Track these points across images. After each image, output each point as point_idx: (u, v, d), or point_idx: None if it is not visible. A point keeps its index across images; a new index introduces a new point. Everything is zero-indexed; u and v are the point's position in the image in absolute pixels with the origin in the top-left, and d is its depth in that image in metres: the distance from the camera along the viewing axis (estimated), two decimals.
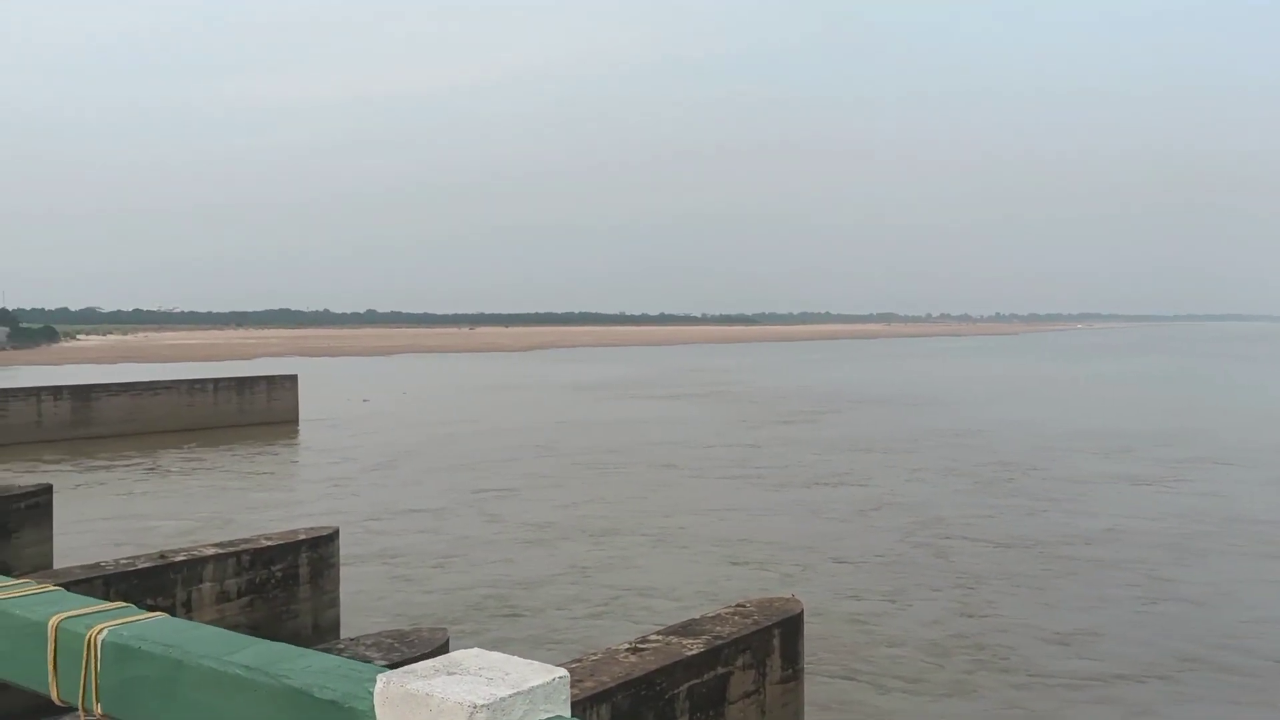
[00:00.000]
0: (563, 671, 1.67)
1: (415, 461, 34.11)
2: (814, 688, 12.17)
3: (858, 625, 15.98)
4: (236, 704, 1.87)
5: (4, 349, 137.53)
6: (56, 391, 43.82)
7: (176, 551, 13.61)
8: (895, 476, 30.43)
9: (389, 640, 12.16)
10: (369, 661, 10.68)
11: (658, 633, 9.95)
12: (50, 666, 2.13)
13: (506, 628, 15.99)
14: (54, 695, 2.13)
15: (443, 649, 11.55)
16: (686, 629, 9.97)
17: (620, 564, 19.96)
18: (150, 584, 12.31)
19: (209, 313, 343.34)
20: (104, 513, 25.09)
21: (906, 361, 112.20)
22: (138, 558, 13.04)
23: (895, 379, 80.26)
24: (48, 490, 17.57)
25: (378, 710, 1.65)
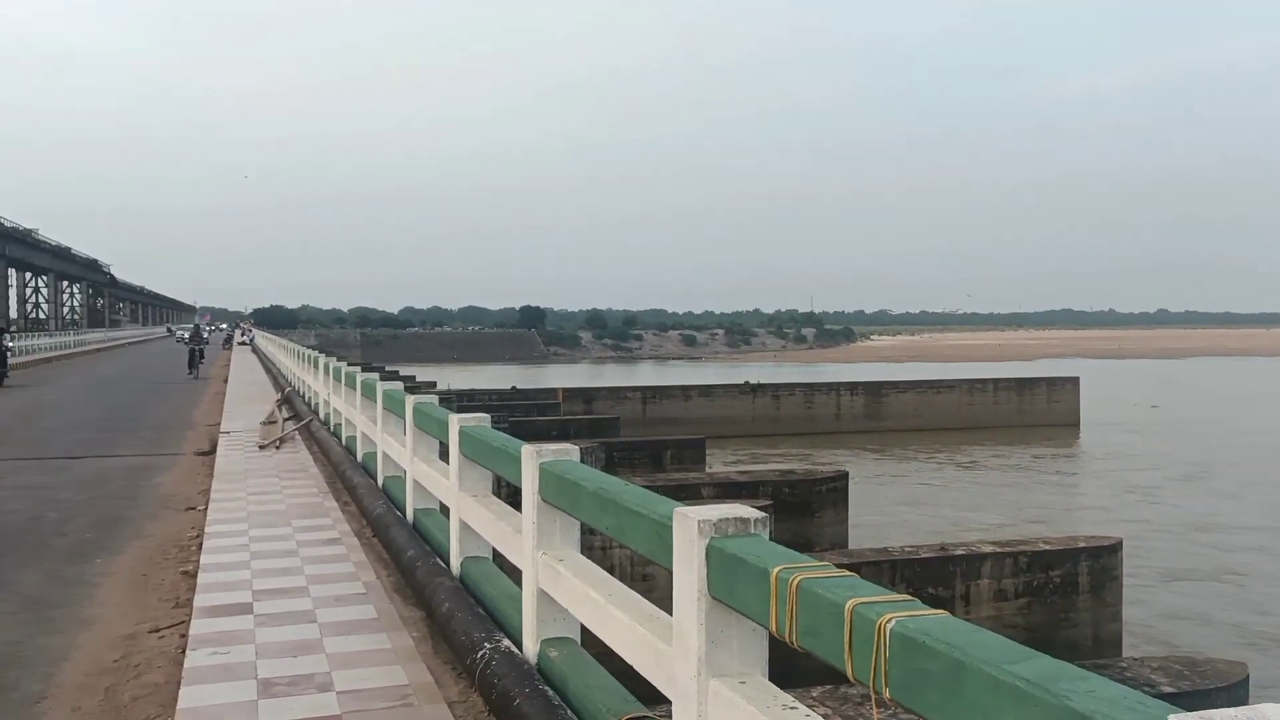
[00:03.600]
0: None
1: (1230, 473, 30.99)
2: None
3: None
4: (1015, 715, 1.85)
5: (811, 347, 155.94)
6: (853, 387, 48.27)
7: (956, 546, 14.05)
8: None
9: (1178, 666, 11.22)
10: (1153, 686, 9.98)
11: None
12: (846, 646, 2.31)
13: None
14: (849, 672, 2.31)
15: (1241, 686, 10.34)
16: None
17: None
18: (931, 574, 12.82)
19: (990, 314, 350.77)
20: (891, 501, 26.93)
21: None
22: (920, 547, 13.69)
23: None
24: (844, 477, 19.37)
25: None
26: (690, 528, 3.11)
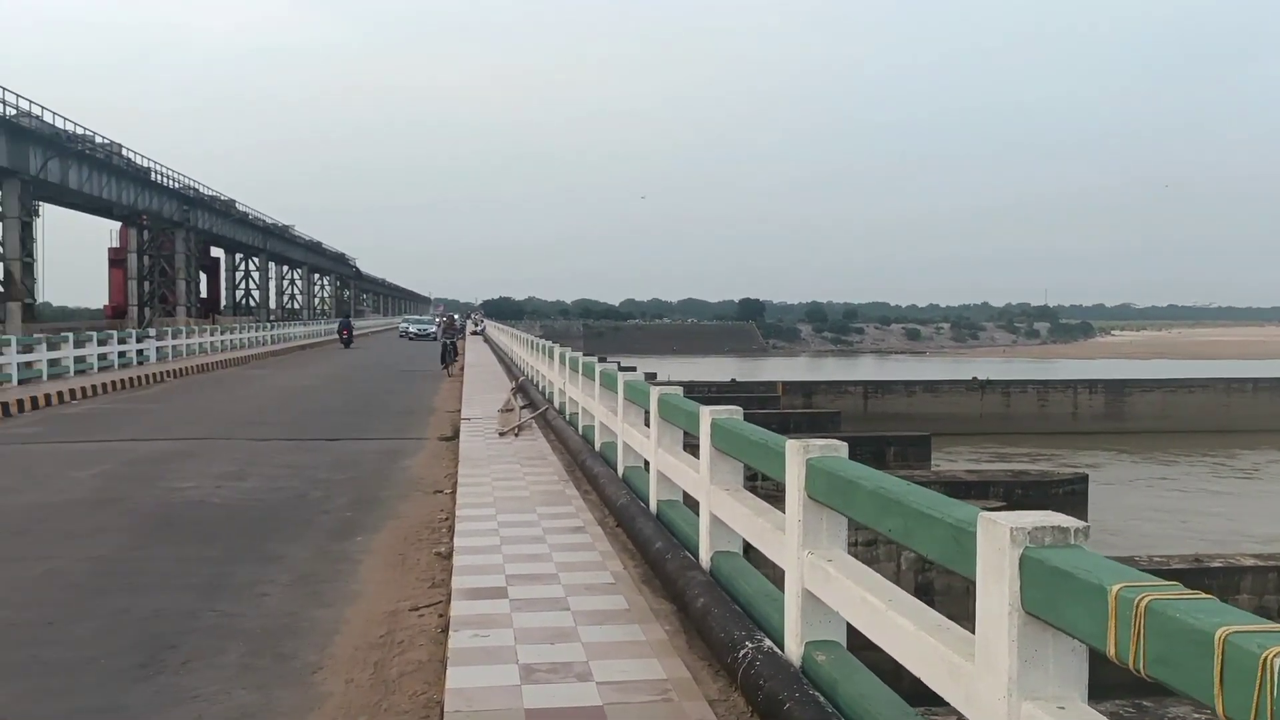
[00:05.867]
0: None
1: None
2: None
3: None
4: None
5: (1045, 343, 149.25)
6: (1091, 385, 45.68)
7: (1213, 557, 12.99)
8: None
9: None
10: None
11: None
12: (1216, 680, 2.05)
13: None
14: (1219, 710, 2.05)
15: None
16: None
17: None
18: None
19: (1248, 308, 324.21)
20: (1138, 507, 25.27)
21: None
22: (1171, 558, 12.73)
23: None
24: (1084, 479, 18.32)
25: None
26: (1000, 535, 2.88)
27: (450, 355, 34.75)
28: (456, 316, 51.02)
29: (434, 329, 55.82)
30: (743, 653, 4.83)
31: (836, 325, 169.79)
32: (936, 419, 39.68)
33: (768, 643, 4.90)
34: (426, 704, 5.30)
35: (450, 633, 5.99)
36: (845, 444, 4.60)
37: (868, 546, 11.44)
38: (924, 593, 13.26)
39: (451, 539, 8.58)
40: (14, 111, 41.73)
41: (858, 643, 4.33)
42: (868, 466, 4.30)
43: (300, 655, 6.26)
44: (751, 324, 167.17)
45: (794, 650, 4.67)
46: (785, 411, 32.33)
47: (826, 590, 4.37)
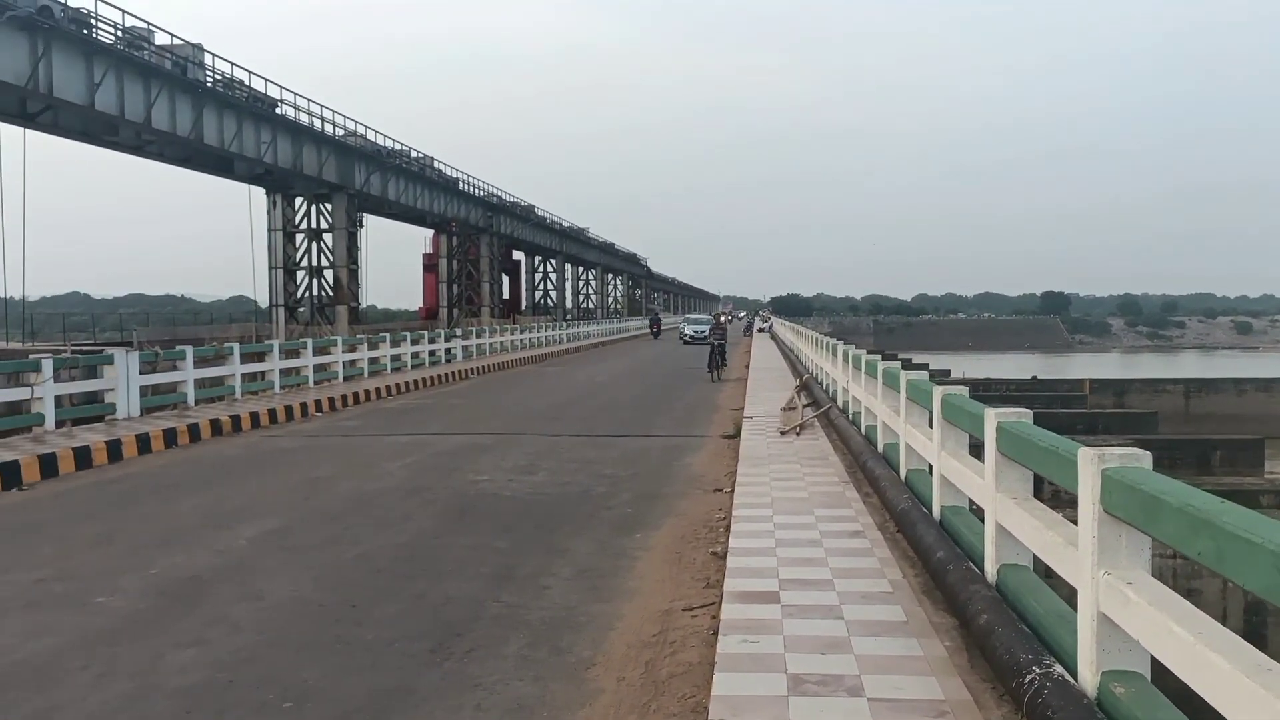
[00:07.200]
0: None
1: None
2: None
3: None
4: None
5: None
6: None
7: None
8: None
9: None
10: None
11: None
12: None
13: None
14: None
15: None
16: None
17: None
18: None
19: None
20: None
21: None
22: None
23: None
24: None
25: None
26: None
27: (718, 359, 31.20)
28: (743, 314, 51.05)
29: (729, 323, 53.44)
30: (1029, 678, 4.43)
31: (1152, 319, 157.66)
32: (1273, 421, 35.83)
33: (1058, 669, 4.47)
34: (695, 708, 5.23)
35: (719, 636, 5.90)
36: (1148, 453, 4.11)
37: (1187, 559, 10.40)
38: (1255, 612, 11.92)
39: (728, 539, 8.52)
40: (342, 132, 45.84)
41: (1159, 669, 3.86)
42: (1174, 480, 3.81)
43: (576, 650, 6.38)
44: (1054, 318, 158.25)
45: (1088, 679, 4.23)
46: (1093, 412, 30.24)
47: (1125, 616, 3.92)
